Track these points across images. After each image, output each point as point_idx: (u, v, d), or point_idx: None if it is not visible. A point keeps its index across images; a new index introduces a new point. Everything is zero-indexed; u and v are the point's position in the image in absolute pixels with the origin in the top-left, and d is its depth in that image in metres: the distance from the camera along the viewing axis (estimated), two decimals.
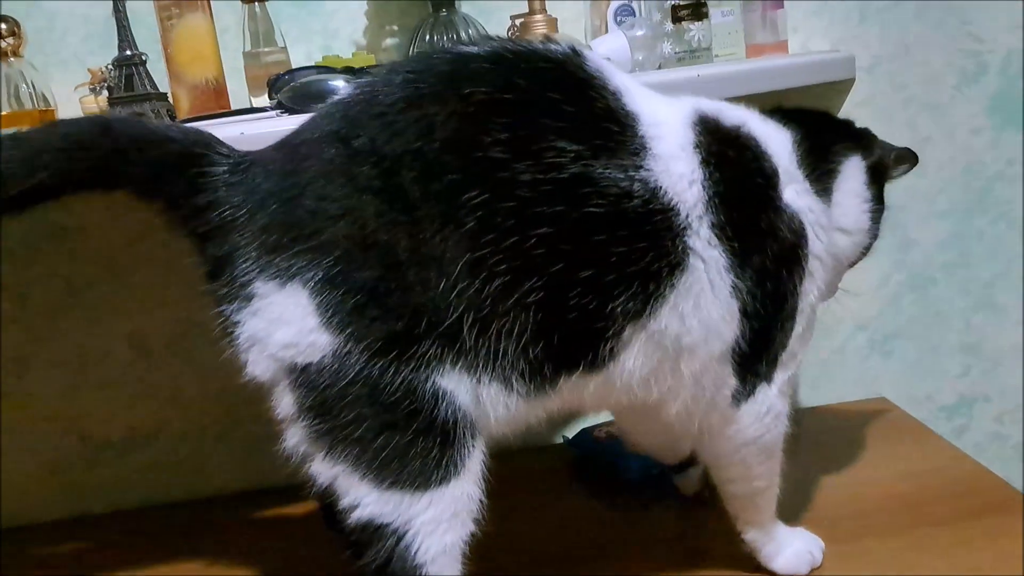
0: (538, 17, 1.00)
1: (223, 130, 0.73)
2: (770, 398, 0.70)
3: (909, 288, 1.16)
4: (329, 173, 0.58)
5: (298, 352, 0.58)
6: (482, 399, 0.60)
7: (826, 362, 1.17)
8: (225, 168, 0.61)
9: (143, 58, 0.98)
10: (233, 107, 1.00)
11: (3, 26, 0.97)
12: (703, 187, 0.63)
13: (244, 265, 0.58)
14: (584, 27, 1.06)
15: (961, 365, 1.18)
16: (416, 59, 0.72)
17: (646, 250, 0.60)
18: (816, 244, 0.70)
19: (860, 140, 0.80)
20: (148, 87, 0.98)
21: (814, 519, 0.85)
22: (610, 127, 0.61)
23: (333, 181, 0.58)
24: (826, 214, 0.73)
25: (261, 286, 0.58)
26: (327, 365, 0.57)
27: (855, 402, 1.16)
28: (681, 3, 0.96)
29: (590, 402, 0.68)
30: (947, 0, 1.09)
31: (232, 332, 0.59)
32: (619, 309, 0.60)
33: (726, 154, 0.66)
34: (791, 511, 0.82)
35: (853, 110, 1.10)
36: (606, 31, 1.03)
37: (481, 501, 0.61)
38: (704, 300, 0.64)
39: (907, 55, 1.10)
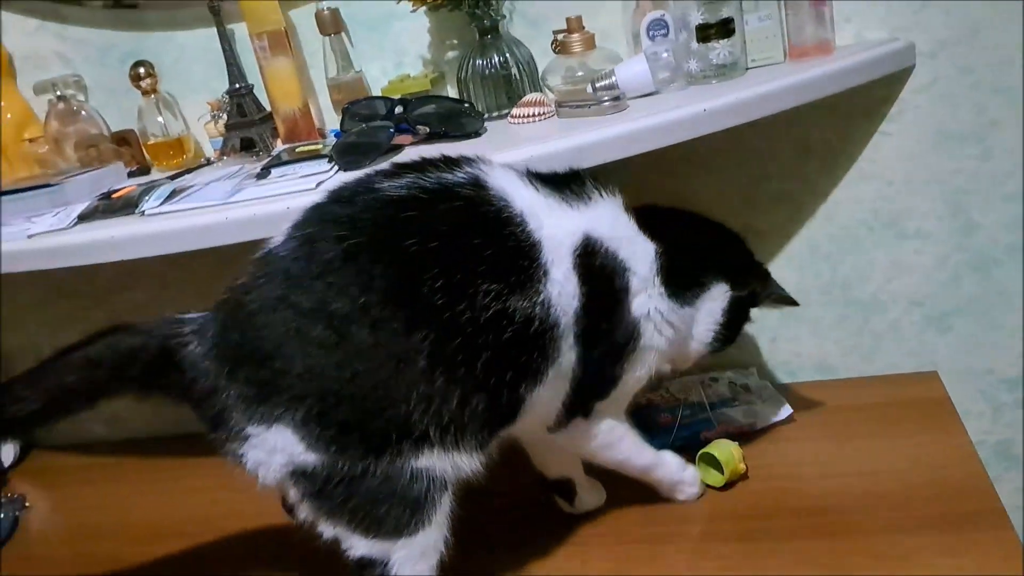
0: (575, 36, 1.06)
1: (269, 207, 0.92)
2: (581, 427, 0.90)
3: (971, 268, 1.15)
4: (287, 335, 0.72)
5: (295, 466, 0.75)
6: (452, 464, 0.78)
7: (879, 335, 1.21)
8: (195, 343, 0.75)
9: (250, 87, 1.18)
10: (327, 128, 1.17)
11: (142, 69, 1.20)
12: (579, 302, 0.80)
13: (235, 418, 0.74)
14: (626, 39, 1.10)
15: None
16: (345, 202, 0.77)
17: (540, 356, 0.79)
18: (655, 339, 0.87)
19: (738, 275, 0.94)
20: (255, 113, 1.18)
21: (784, 505, 0.97)
22: (521, 263, 0.76)
23: (292, 343, 0.72)
24: (676, 314, 0.88)
25: (252, 429, 0.74)
26: (319, 471, 0.75)
27: (903, 375, 1.20)
28: (706, 22, 0.99)
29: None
30: None
31: (240, 462, 0.76)
32: (523, 391, 0.80)
33: (593, 274, 0.81)
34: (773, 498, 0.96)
35: (911, 96, 1.08)
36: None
37: (447, 537, 0.81)
38: (558, 381, 0.83)
39: (975, 38, 1.04)
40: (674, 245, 0.87)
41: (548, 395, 0.83)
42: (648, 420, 1.13)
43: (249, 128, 1.17)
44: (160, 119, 1.19)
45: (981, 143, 1.09)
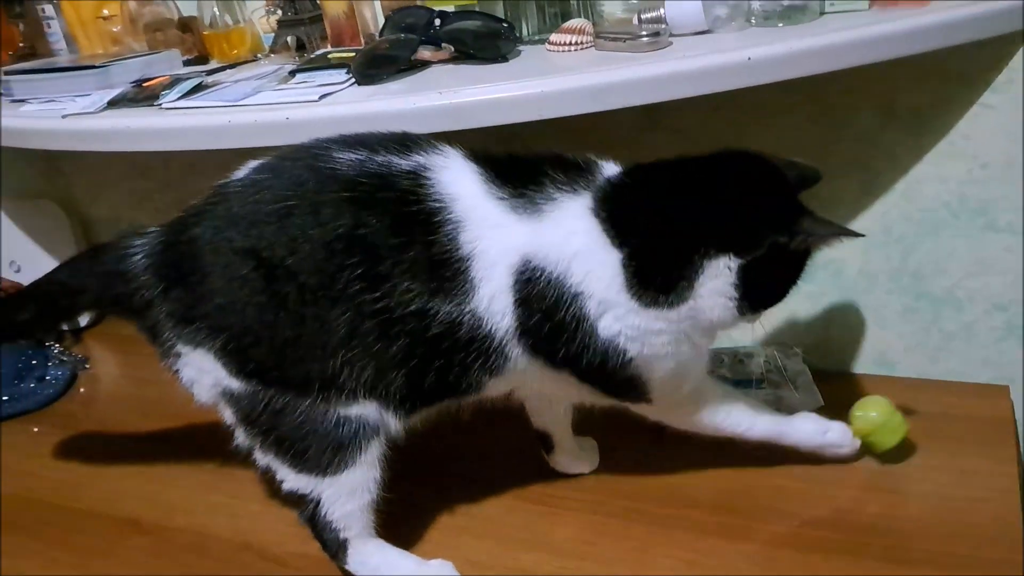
0: None
1: (270, 115, 0.89)
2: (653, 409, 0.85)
3: None
4: (217, 266, 0.74)
5: (223, 387, 0.78)
6: (384, 418, 0.79)
7: (950, 336, 1.06)
8: (141, 256, 0.80)
9: None
10: (363, 37, 1.12)
11: None
12: (515, 322, 0.75)
13: (166, 334, 0.79)
14: None
15: None
16: (300, 161, 0.77)
17: (476, 357, 0.76)
18: (649, 349, 0.76)
19: (742, 235, 0.75)
20: (307, 12, 1.15)
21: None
22: (445, 272, 0.73)
23: (220, 276, 0.74)
24: (664, 320, 0.76)
25: (181, 347, 0.78)
26: (246, 397, 0.77)
27: (969, 384, 1.05)
28: None
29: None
30: None
31: (177, 375, 0.81)
32: (474, 378, 0.78)
33: (528, 299, 0.74)
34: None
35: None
36: None
37: (380, 476, 0.80)
38: (538, 378, 0.80)
39: None
40: (650, 238, 0.75)
41: (547, 385, 0.82)
42: None
43: (298, 27, 1.14)
44: (215, 9, 1.18)
45: None
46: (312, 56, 1.07)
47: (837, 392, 1.04)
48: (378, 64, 0.94)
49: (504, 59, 0.94)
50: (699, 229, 0.75)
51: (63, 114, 1.01)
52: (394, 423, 0.79)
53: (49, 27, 1.36)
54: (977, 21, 0.86)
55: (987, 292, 1.02)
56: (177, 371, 0.80)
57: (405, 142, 0.76)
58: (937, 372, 1.08)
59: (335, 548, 0.83)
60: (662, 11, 0.90)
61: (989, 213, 0.98)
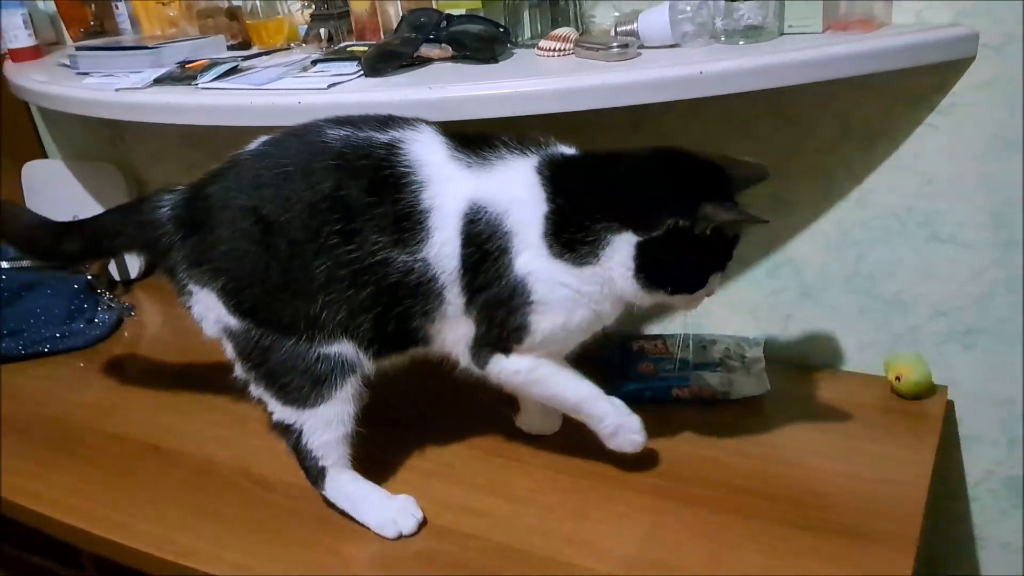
0: None
1: (285, 99, 1.02)
2: (503, 363, 0.93)
3: (1006, 288, 1.05)
4: (224, 220, 0.89)
5: (224, 324, 0.92)
6: (360, 358, 0.92)
7: (898, 336, 1.14)
8: (167, 208, 0.94)
9: None
10: (383, 33, 1.25)
11: None
12: (459, 261, 0.87)
13: (181, 274, 0.93)
14: None
15: None
16: (297, 136, 0.91)
17: (423, 299, 0.89)
18: (552, 295, 0.87)
19: (641, 215, 0.85)
20: (336, 8, 1.28)
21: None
22: (406, 225, 0.86)
23: (226, 227, 0.89)
24: (570, 273, 0.87)
25: (191, 287, 0.93)
26: (241, 333, 0.91)
27: None
28: None
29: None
30: None
31: (189, 311, 0.96)
32: (417, 324, 0.91)
33: (471, 236, 0.87)
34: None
35: (967, 91, 0.99)
36: None
37: (355, 411, 0.94)
38: (454, 322, 0.92)
39: None
40: (572, 202, 0.86)
41: (452, 332, 0.92)
42: (629, 366, 1.17)
43: (328, 21, 1.27)
44: (258, 1, 1.31)
45: None
46: (335, 48, 1.20)
47: (787, 382, 1.14)
48: (385, 59, 1.06)
49: (495, 60, 1.06)
50: (609, 205, 0.86)
51: (116, 87, 1.16)
52: (367, 363, 0.92)
53: (117, 8, 1.53)
54: (920, 48, 0.94)
55: (931, 298, 1.10)
56: (190, 307, 0.95)
57: (386, 121, 0.90)
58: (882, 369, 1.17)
59: (315, 475, 0.96)
60: (635, 25, 1.00)
61: (933, 225, 1.07)
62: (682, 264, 0.87)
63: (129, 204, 1.05)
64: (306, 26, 1.31)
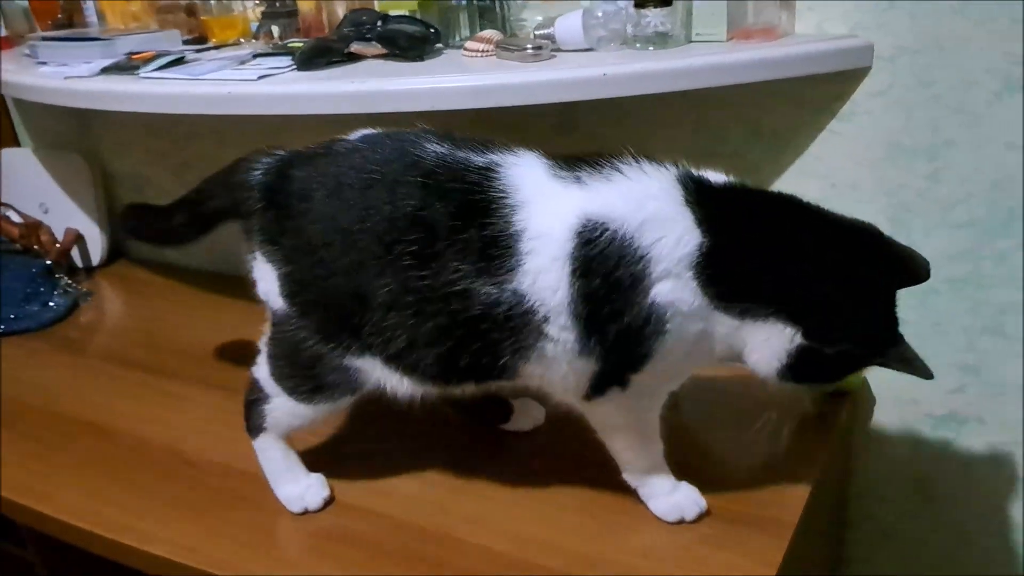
0: None
1: (216, 89, 1.07)
2: (618, 396, 0.85)
3: (907, 292, 1.09)
4: (302, 210, 0.85)
5: (270, 297, 0.90)
6: (391, 381, 0.88)
7: None
8: (260, 172, 0.90)
9: None
10: (329, 29, 1.30)
11: None
12: (568, 292, 0.78)
13: (253, 239, 0.89)
14: None
15: (956, 381, 1.11)
16: (388, 143, 0.86)
17: (509, 336, 0.80)
18: (683, 328, 0.78)
19: (821, 325, 0.77)
20: (284, 6, 1.33)
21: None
22: (493, 252, 0.78)
23: (301, 219, 0.85)
24: (706, 311, 0.78)
25: (258, 254, 0.89)
26: (280, 313, 0.89)
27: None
28: None
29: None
30: None
31: (251, 267, 0.91)
32: (506, 362, 0.82)
33: (586, 261, 0.77)
34: None
35: (865, 99, 1.03)
36: None
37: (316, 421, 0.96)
38: (556, 363, 0.82)
39: (939, 50, 0.97)
40: (738, 254, 0.77)
41: (556, 372, 0.84)
42: None
43: (278, 18, 1.32)
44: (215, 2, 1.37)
45: (933, 162, 1.02)
46: (279, 44, 1.24)
47: (707, 379, 1.17)
48: (317, 54, 1.11)
49: (422, 59, 1.11)
50: (787, 295, 0.77)
51: (65, 76, 1.21)
52: (409, 388, 0.88)
53: (85, 3, 1.58)
54: (817, 58, 0.99)
55: None
56: (252, 266, 0.92)
57: (487, 143, 0.84)
58: None
59: (253, 429, 0.98)
60: (552, 29, 1.05)
61: None
62: (832, 370, 0.81)
63: (227, 167, 0.97)
64: (258, 23, 1.36)
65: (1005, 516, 1.15)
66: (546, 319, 0.79)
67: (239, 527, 0.97)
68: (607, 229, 0.77)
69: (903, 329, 1.03)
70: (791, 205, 0.81)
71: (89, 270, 1.80)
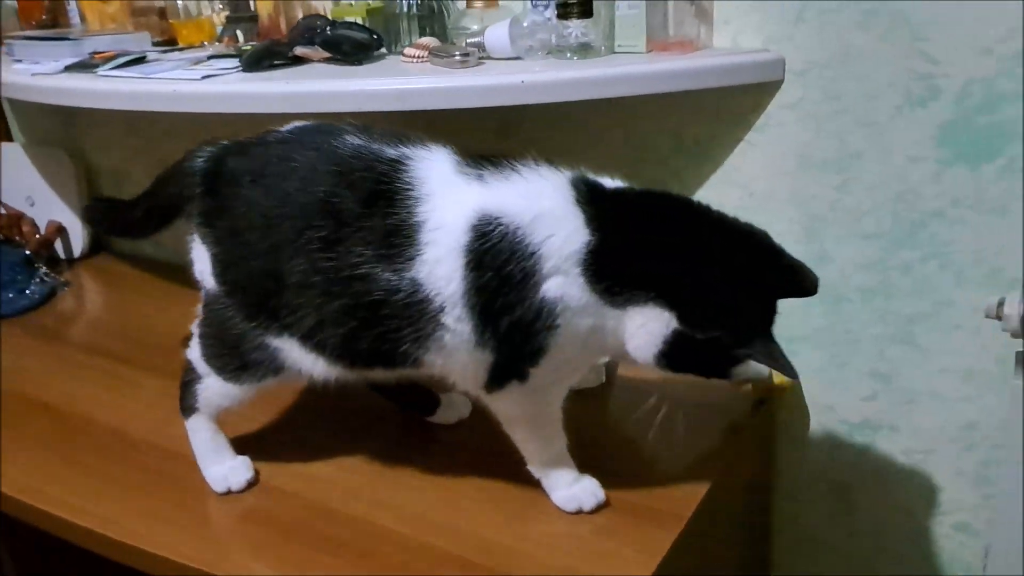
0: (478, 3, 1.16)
1: (163, 87, 1.13)
2: (518, 389, 0.89)
3: (820, 299, 1.12)
4: (231, 196, 0.90)
5: (204, 277, 0.95)
6: (308, 361, 0.93)
7: None
8: (202, 159, 0.95)
9: None
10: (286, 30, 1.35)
11: None
12: (462, 283, 0.82)
13: (191, 222, 0.95)
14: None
15: (869, 389, 1.14)
16: (312, 134, 0.91)
17: (408, 323, 0.84)
18: (574, 322, 0.83)
19: (699, 312, 0.81)
20: (247, 12, 1.39)
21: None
22: (394, 240, 0.82)
23: (232, 203, 0.90)
24: (595, 306, 0.83)
25: (195, 237, 0.95)
26: (211, 293, 0.95)
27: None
28: (566, 1, 1.04)
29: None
30: (900, 11, 0.96)
31: (189, 249, 0.97)
32: (406, 349, 0.87)
33: (484, 258, 0.81)
34: None
35: (778, 111, 1.07)
36: None
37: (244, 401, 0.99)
38: (455, 353, 0.86)
39: (845, 64, 1.01)
40: (623, 250, 0.82)
41: (455, 362, 0.87)
42: None
43: (240, 23, 1.38)
44: (180, 3, 1.43)
45: (842, 173, 1.06)
46: (240, 47, 1.30)
47: (633, 378, 1.22)
48: (263, 57, 1.16)
49: (360, 63, 1.16)
50: (667, 284, 0.81)
51: (32, 72, 1.28)
52: (324, 369, 0.92)
53: (68, 4, 1.65)
54: (729, 70, 1.03)
55: None
56: (191, 249, 0.97)
57: (402, 137, 0.88)
58: None
59: (186, 409, 1.03)
60: (481, 39, 1.09)
61: None
62: (706, 359, 0.86)
63: (179, 159, 1.01)
64: (222, 27, 1.42)
65: (917, 523, 1.17)
66: (442, 309, 0.83)
67: (166, 505, 1.02)
68: (501, 225, 0.81)
69: (818, 336, 1.08)
70: (678, 204, 0.86)
71: (71, 261, 1.86)
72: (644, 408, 1.16)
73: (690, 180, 1.16)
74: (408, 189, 0.84)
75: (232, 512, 1.01)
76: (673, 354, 0.83)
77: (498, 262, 0.81)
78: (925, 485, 1.15)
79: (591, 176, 0.86)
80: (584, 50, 1.06)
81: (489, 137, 1.27)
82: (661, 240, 0.83)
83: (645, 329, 0.83)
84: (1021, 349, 0.89)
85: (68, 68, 1.27)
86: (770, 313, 0.85)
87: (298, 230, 0.86)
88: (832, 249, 1.10)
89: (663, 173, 1.18)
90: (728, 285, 0.82)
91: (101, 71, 1.22)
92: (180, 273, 1.73)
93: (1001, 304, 0.89)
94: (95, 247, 1.91)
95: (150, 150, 1.75)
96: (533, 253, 0.80)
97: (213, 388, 1.00)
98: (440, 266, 0.82)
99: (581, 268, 0.81)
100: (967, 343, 1.04)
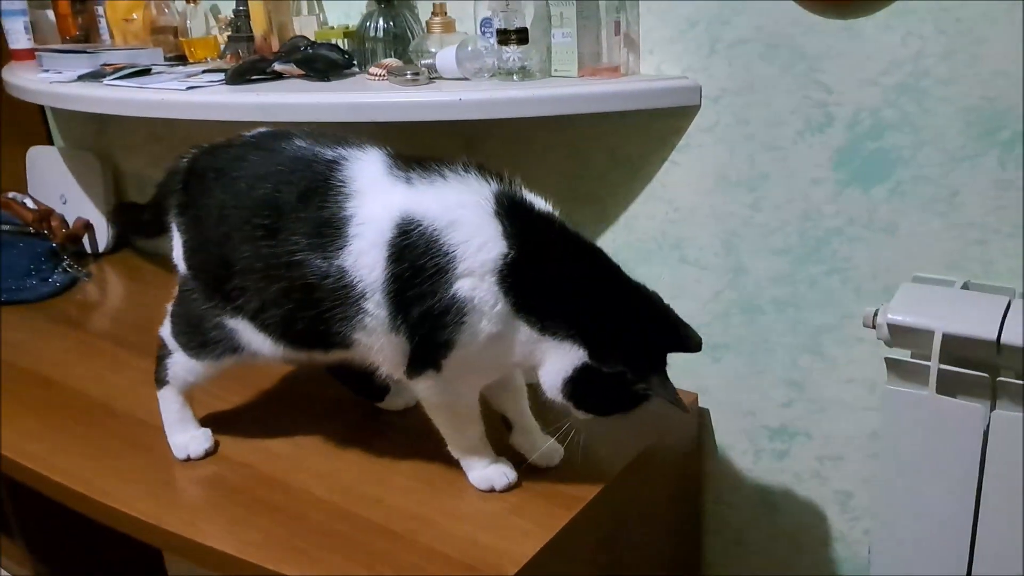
0: (437, 19, 1.27)
1: (154, 96, 1.27)
2: (434, 378, 0.97)
3: (740, 309, 1.20)
4: (199, 192, 1.03)
5: (180, 265, 1.08)
6: (258, 341, 1.03)
7: None
8: (187, 160, 1.07)
9: (246, 11, 1.52)
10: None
11: None
12: (382, 273, 0.91)
13: (170, 215, 1.07)
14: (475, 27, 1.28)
15: (785, 396, 1.21)
16: (268, 139, 1.02)
17: (336, 305, 0.94)
18: (481, 325, 0.90)
19: (599, 348, 0.90)
20: (247, 32, 1.53)
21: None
22: (326, 231, 0.93)
23: (199, 197, 1.03)
24: (507, 317, 0.90)
25: (173, 225, 1.07)
26: (183, 280, 1.08)
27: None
28: (505, 28, 1.15)
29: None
30: (798, 44, 1.04)
31: (171, 237, 1.09)
32: (337, 329, 0.96)
33: (403, 251, 0.90)
34: None
35: (697, 134, 1.15)
36: None
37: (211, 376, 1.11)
38: (376, 336, 0.95)
39: (751, 92, 1.09)
40: (540, 273, 0.90)
41: (377, 344, 0.96)
42: None
43: (240, 42, 1.52)
44: (189, 23, 1.58)
45: (753, 192, 1.14)
46: (236, 63, 1.45)
47: None
48: (244, 72, 1.30)
49: (327, 79, 1.28)
50: (580, 318, 0.90)
51: (50, 81, 1.44)
52: (271, 349, 1.03)
53: (100, 22, 1.82)
54: (650, 94, 1.13)
55: (684, 314, 1.23)
56: (171, 237, 1.09)
57: (342, 141, 0.98)
58: None
59: (158, 381, 1.14)
60: (433, 61, 1.21)
61: (682, 249, 1.23)
62: (607, 393, 0.92)
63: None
64: (224, 45, 1.56)
65: (831, 527, 1.23)
66: (364, 294, 0.92)
67: (134, 468, 1.15)
68: (420, 225, 0.90)
69: (738, 344, 1.19)
70: (590, 248, 0.95)
71: (96, 256, 2.03)
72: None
73: (623, 195, 1.25)
74: (340, 186, 0.94)
75: (190, 477, 1.13)
76: (580, 386, 0.91)
77: (414, 255, 0.90)
78: (837, 490, 1.21)
79: (520, 192, 0.93)
80: (524, 73, 1.16)
81: (458, 151, 1.38)
82: (578, 280, 0.91)
83: (557, 361, 0.91)
84: (891, 356, 0.96)
85: (81, 77, 1.43)
86: (662, 362, 0.93)
87: (245, 220, 0.97)
88: (748, 262, 1.17)
89: (600, 187, 1.27)
90: (631, 329, 0.91)
91: (107, 80, 1.37)
92: None
93: (876, 314, 0.97)
94: (119, 243, 2.08)
95: (170, 157, 1.89)
96: (448, 253, 0.89)
97: (180, 363, 1.12)
98: (364, 256, 0.91)
99: (497, 277, 0.89)
100: (869, 355, 1.11)
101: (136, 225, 1.31)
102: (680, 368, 1.26)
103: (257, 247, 0.97)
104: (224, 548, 0.99)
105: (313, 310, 0.96)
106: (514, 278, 0.89)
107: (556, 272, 0.91)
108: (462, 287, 0.90)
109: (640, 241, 1.26)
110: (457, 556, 0.95)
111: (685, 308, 1.23)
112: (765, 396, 1.23)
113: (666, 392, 0.92)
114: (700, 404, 1.28)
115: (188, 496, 1.10)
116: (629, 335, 0.91)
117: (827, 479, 1.21)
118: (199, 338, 1.08)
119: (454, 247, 0.89)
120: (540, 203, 0.95)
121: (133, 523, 1.07)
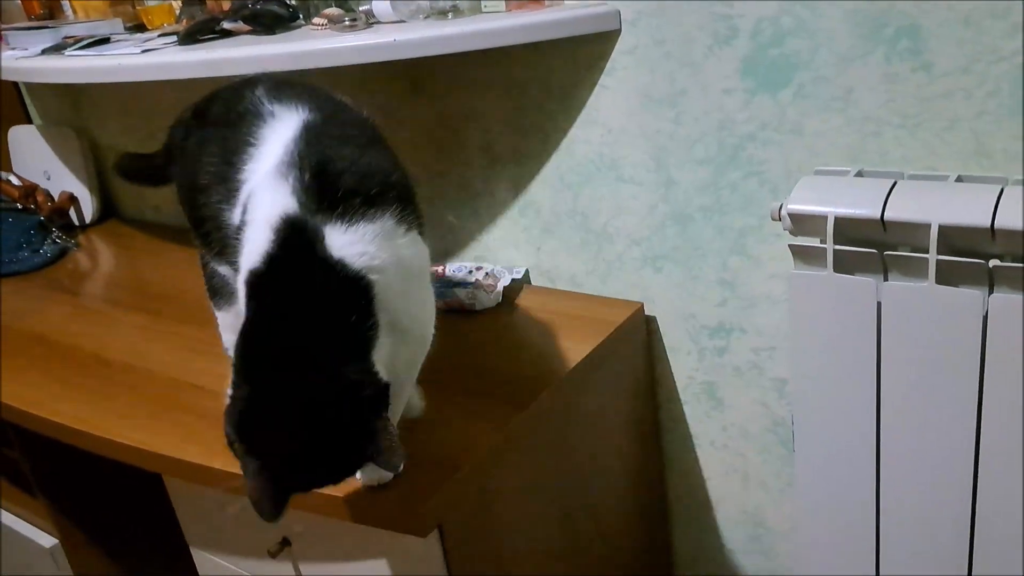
0: None
1: (110, 61, 1.35)
2: None
3: (673, 220, 1.29)
4: (178, 145, 1.11)
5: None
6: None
7: (610, 263, 1.39)
8: (177, 123, 1.13)
9: None
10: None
11: None
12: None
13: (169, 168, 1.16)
14: None
15: (720, 296, 1.30)
16: (234, 86, 1.05)
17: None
18: None
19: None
20: None
21: None
22: (244, 155, 0.94)
23: (176, 152, 1.11)
24: None
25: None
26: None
27: (620, 300, 1.40)
28: None
29: None
30: None
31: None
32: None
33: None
34: None
35: (620, 57, 1.23)
36: None
37: None
38: None
39: (664, 13, 1.16)
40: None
41: None
42: None
43: (194, 5, 1.59)
44: None
45: (674, 108, 1.22)
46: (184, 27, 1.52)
47: (529, 300, 1.41)
48: (195, 32, 1.37)
49: (273, 32, 1.36)
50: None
51: (16, 57, 1.51)
52: None
53: (62, 1, 1.89)
54: (572, 22, 1.20)
55: (626, 230, 1.35)
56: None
57: (289, 94, 0.98)
58: (607, 291, 1.42)
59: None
60: (370, 6, 1.28)
61: (618, 168, 1.31)
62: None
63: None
64: (180, 10, 1.63)
65: (772, 414, 1.33)
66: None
67: (125, 406, 1.26)
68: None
69: (675, 254, 1.34)
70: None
71: (83, 227, 2.13)
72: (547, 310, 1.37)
73: (562, 122, 1.33)
74: (252, 146, 0.94)
75: (177, 409, 1.24)
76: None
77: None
78: (773, 378, 1.31)
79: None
80: (456, 11, 1.24)
81: (404, 94, 1.46)
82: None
83: None
84: (794, 243, 1.05)
85: (44, 51, 1.50)
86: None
87: (204, 167, 1.03)
88: (676, 175, 1.26)
89: (540, 117, 1.35)
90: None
91: (68, 52, 1.45)
92: (178, 235, 2.00)
93: (781, 207, 1.05)
94: (105, 214, 2.17)
95: (140, 127, 1.99)
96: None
97: (223, 325, 1.16)
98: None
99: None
100: (786, 250, 1.20)
101: (145, 174, 1.34)
102: (626, 281, 1.38)
103: (208, 194, 1.00)
104: (212, 464, 1.10)
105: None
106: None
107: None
108: None
109: (580, 164, 1.35)
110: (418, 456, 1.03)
111: (627, 224, 1.34)
112: (702, 298, 1.32)
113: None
114: (647, 312, 1.38)
115: (176, 424, 1.21)
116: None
117: (763, 369, 1.31)
118: (211, 285, 1.13)
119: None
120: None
121: (128, 451, 1.18)
